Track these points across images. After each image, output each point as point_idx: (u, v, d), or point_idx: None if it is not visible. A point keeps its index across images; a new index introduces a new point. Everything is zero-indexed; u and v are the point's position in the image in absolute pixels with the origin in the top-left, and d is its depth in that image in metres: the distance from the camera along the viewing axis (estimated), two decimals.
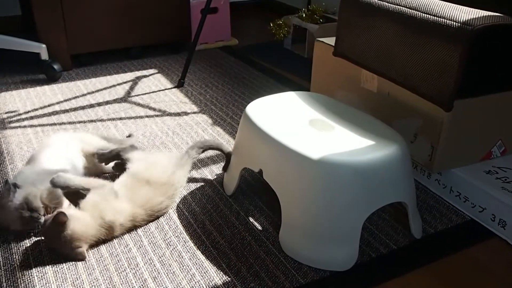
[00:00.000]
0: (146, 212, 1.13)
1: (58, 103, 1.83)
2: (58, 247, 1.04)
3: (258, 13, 3.36)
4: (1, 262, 1.03)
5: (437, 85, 1.16)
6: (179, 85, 2.02)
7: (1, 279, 0.99)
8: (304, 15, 2.44)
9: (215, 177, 1.36)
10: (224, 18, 2.57)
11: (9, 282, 0.98)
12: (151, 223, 1.16)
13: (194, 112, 1.78)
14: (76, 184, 1.12)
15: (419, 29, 1.18)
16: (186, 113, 1.77)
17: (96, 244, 1.07)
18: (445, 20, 1.12)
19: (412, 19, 1.20)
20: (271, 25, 2.55)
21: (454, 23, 1.10)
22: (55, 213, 1.02)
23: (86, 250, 1.05)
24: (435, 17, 1.15)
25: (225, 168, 1.32)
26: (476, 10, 1.14)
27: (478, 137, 1.26)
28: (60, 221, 1.01)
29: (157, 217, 1.17)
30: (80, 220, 1.04)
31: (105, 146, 1.32)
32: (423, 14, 1.18)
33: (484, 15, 1.10)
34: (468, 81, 1.14)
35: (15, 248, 1.07)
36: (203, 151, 1.33)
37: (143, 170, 1.19)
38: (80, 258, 1.04)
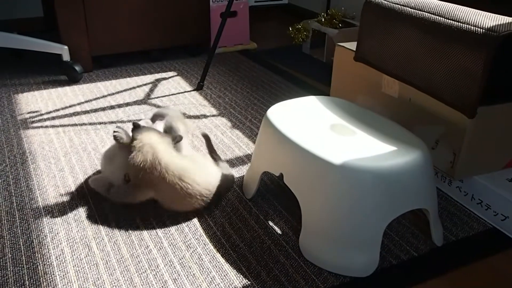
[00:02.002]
0: (205, 193, 1.20)
1: (79, 104, 1.85)
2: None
3: (277, 17, 3.37)
4: (24, 260, 1.05)
5: (460, 92, 1.15)
6: (198, 88, 2.03)
7: (24, 277, 1.00)
8: (323, 20, 2.44)
9: (235, 180, 1.36)
10: (243, 22, 2.57)
11: (32, 280, 0.99)
12: (170, 225, 1.17)
13: (213, 115, 1.79)
14: (175, 126, 1.33)
15: (442, 35, 1.17)
16: (205, 116, 1.78)
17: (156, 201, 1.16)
18: (469, 26, 1.11)
19: (435, 24, 1.19)
20: (290, 29, 2.55)
21: (479, 29, 1.09)
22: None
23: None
24: (459, 23, 1.14)
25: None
26: (500, 16, 1.13)
27: (501, 144, 1.24)
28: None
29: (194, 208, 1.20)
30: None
31: None
32: (447, 20, 1.17)
33: (509, 21, 1.09)
34: (492, 88, 1.13)
35: (37, 247, 1.09)
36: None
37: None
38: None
